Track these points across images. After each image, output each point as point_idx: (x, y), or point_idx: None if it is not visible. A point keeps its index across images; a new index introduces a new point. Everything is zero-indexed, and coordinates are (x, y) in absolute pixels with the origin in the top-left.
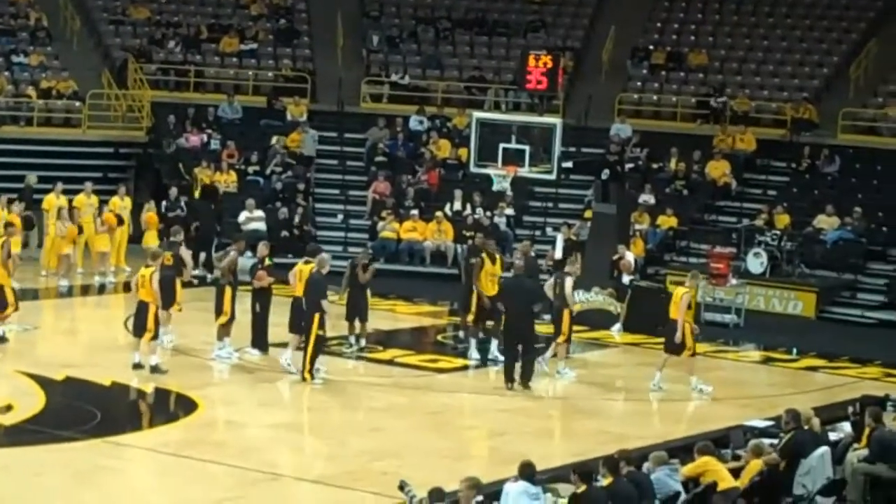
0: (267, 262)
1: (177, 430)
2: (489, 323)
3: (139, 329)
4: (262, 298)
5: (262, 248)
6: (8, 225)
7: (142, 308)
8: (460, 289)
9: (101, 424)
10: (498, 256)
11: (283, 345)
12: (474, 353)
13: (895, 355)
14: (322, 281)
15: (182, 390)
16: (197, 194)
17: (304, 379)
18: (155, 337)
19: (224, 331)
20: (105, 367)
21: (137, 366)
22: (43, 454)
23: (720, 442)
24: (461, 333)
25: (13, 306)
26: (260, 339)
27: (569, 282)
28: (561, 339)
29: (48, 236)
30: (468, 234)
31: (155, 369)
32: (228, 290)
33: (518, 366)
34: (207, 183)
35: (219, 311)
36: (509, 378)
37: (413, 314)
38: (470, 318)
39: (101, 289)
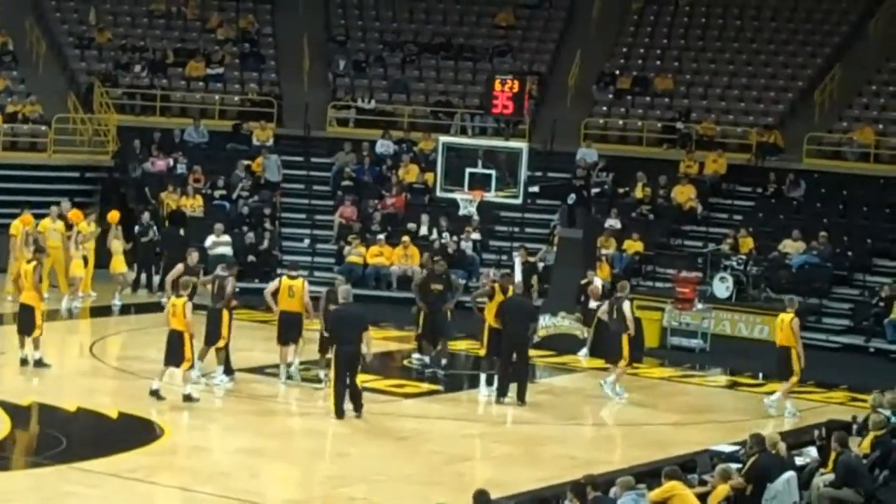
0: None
1: (143, 456)
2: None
3: (173, 359)
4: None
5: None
6: (38, 250)
7: (174, 337)
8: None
9: (67, 450)
10: (510, 287)
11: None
12: (485, 390)
13: (860, 380)
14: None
15: (148, 415)
16: (165, 220)
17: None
18: (192, 366)
19: (221, 356)
20: (71, 392)
21: (155, 393)
22: (8, 480)
23: (687, 466)
24: (426, 358)
25: (40, 328)
26: (227, 364)
27: (626, 305)
28: (623, 363)
29: (15, 262)
30: (435, 258)
31: (188, 398)
32: (226, 316)
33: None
34: (174, 208)
35: (216, 337)
36: (503, 392)
37: (379, 339)
38: (482, 351)
39: (69, 314)
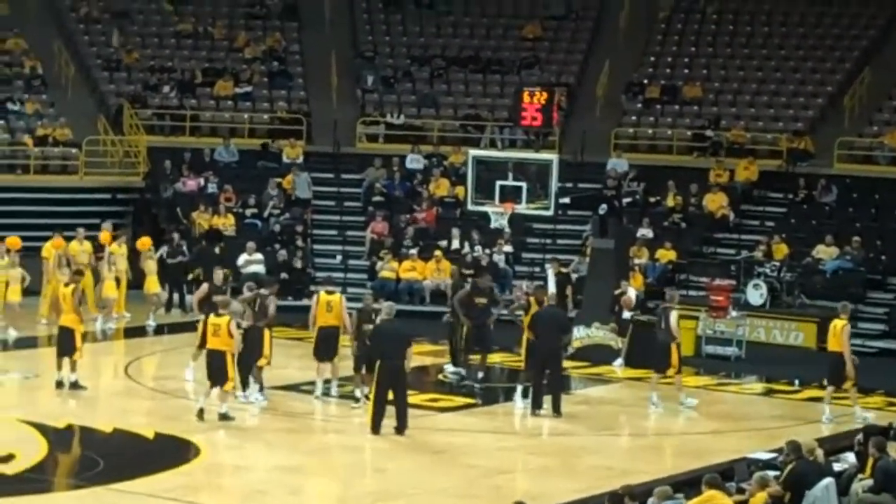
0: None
1: (179, 476)
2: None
3: (218, 378)
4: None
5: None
6: (77, 272)
7: (216, 357)
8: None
9: (103, 472)
10: (545, 299)
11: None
12: (521, 403)
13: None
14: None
15: (184, 435)
16: (199, 239)
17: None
18: (235, 385)
19: (259, 374)
20: (106, 413)
21: (200, 413)
22: (48, 503)
23: (724, 475)
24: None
25: (80, 351)
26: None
27: (673, 315)
28: (672, 371)
29: (49, 284)
30: (467, 272)
31: (224, 417)
32: (268, 334)
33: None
34: (210, 227)
35: (258, 355)
36: (537, 404)
37: (414, 353)
38: (522, 365)
39: (103, 335)
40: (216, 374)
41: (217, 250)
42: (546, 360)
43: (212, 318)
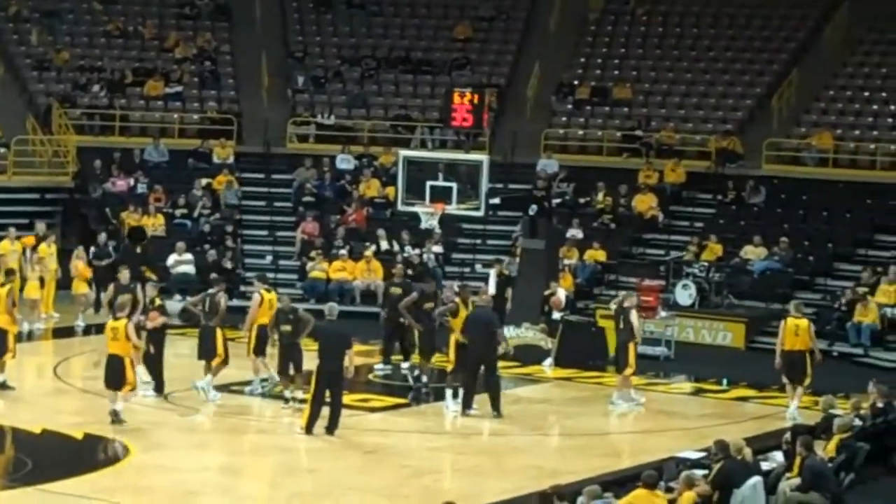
0: (157, 302)
1: (109, 476)
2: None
3: (114, 383)
4: (155, 339)
5: (151, 289)
6: (9, 272)
7: (114, 362)
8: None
9: (32, 472)
10: (470, 301)
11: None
12: (452, 404)
13: (824, 383)
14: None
15: (113, 435)
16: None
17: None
18: (133, 388)
19: (217, 372)
20: (35, 414)
21: (116, 414)
22: None
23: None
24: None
25: (12, 352)
26: (158, 381)
27: (634, 315)
28: (629, 371)
29: None
30: (410, 274)
31: (116, 416)
32: (220, 333)
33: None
34: (133, 225)
35: (211, 354)
36: (468, 404)
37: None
38: (449, 367)
39: (30, 335)
40: (114, 378)
41: (138, 249)
42: (480, 361)
43: (110, 321)
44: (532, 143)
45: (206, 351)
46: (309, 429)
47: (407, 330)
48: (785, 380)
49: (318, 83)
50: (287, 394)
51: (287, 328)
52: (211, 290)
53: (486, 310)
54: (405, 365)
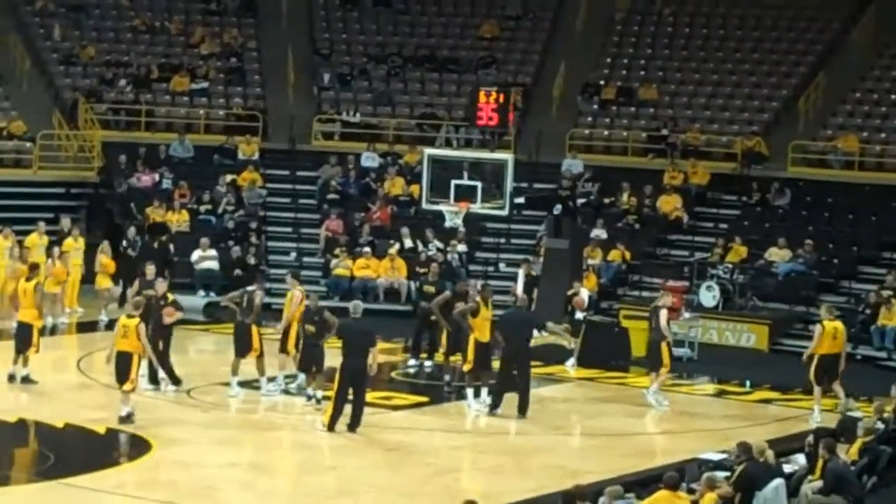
0: (170, 297)
1: (131, 471)
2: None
3: (120, 378)
4: (164, 335)
5: (161, 284)
6: (34, 266)
7: (122, 358)
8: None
9: (54, 466)
10: (490, 300)
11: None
12: (474, 403)
13: (849, 387)
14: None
15: (135, 430)
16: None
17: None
18: (134, 387)
19: (260, 368)
20: (58, 408)
21: (128, 418)
22: None
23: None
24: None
25: (37, 346)
26: (172, 377)
27: (663, 314)
28: (664, 370)
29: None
30: (422, 270)
31: (127, 419)
32: (255, 329)
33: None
34: (155, 221)
35: (247, 350)
36: (497, 404)
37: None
38: (467, 367)
39: (53, 330)
40: (121, 374)
41: (156, 245)
42: (514, 360)
43: (122, 318)
44: (557, 143)
45: (243, 347)
46: (332, 426)
47: (437, 328)
48: (814, 382)
49: (343, 80)
50: (309, 391)
51: (311, 328)
52: (249, 288)
53: (523, 310)
54: (428, 363)
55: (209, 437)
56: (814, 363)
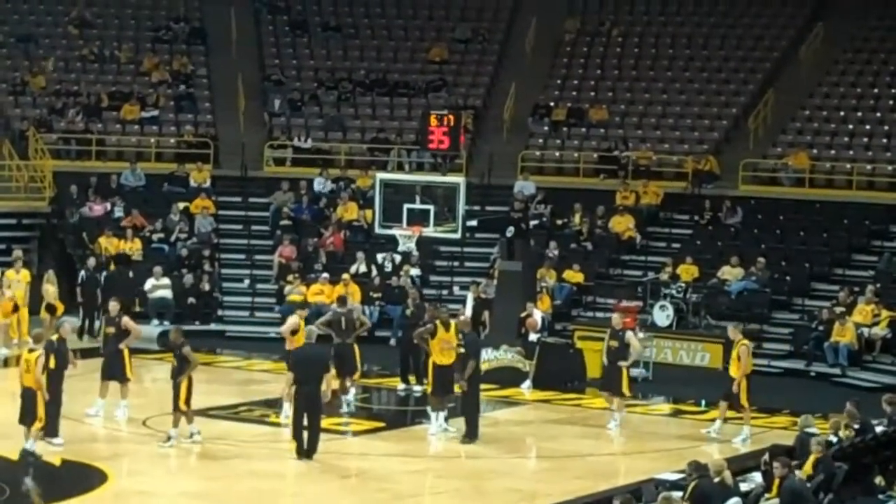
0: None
1: (86, 503)
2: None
3: (25, 418)
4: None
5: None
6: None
7: (26, 394)
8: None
9: (9, 500)
10: (452, 323)
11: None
12: (434, 427)
13: (802, 404)
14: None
15: (91, 461)
16: (108, 263)
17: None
18: (44, 427)
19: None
20: (13, 440)
21: (30, 454)
22: None
23: (632, 496)
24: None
25: None
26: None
27: (630, 335)
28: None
29: None
30: (375, 295)
31: (30, 454)
32: (356, 348)
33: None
34: (117, 251)
35: (353, 370)
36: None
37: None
38: (428, 389)
39: (6, 362)
40: (25, 412)
41: (131, 274)
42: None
43: (24, 353)
44: (509, 165)
45: (348, 368)
46: (300, 453)
47: (421, 353)
48: (748, 404)
49: (294, 106)
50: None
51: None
52: (340, 309)
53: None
54: (417, 388)
55: (165, 466)
56: (744, 383)
